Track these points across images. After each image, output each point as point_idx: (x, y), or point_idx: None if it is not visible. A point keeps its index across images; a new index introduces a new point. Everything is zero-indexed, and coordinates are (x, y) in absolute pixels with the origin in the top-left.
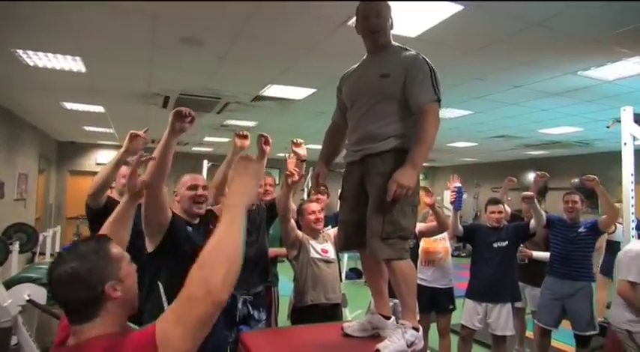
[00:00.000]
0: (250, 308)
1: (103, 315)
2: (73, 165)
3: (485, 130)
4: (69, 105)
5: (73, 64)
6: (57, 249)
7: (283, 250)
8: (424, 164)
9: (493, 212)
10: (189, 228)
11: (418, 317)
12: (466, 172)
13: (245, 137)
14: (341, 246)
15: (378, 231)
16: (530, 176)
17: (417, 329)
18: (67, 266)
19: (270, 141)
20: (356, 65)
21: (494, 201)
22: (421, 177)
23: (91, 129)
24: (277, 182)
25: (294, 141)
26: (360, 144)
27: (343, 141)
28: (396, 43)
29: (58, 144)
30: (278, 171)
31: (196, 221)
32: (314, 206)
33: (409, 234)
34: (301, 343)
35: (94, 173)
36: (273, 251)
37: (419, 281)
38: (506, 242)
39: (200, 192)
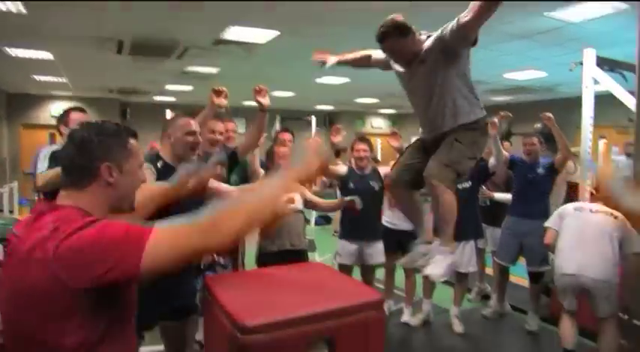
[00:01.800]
0: (215, 254)
1: (90, 192)
2: (25, 118)
3: None
4: (13, 52)
5: (10, 4)
6: (15, 205)
7: None
8: (391, 111)
9: None
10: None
11: (384, 259)
12: None
13: (220, 93)
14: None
15: (443, 158)
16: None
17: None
18: (88, 131)
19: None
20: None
21: None
22: (389, 124)
23: (42, 78)
24: (242, 130)
25: (257, 88)
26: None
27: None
28: (423, 37)
29: (8, 96)
30: (244, 120)
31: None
32: (284, 150)
33: (462, 173)
34: (266, 282)
35: (50, 126)
36: None
37: (385, 224)
38: (469, 183)
39: (197, 138)
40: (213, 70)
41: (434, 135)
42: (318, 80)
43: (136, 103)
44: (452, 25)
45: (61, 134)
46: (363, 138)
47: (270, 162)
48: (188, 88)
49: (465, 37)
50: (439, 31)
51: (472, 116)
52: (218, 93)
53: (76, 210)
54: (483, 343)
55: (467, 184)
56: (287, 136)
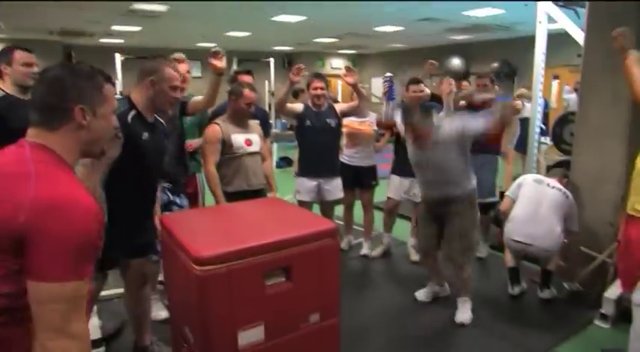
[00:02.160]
0: (170, 194)
1: (61, 134)
2: None
3: (409, 9)
4: None
5: None
6: None
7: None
8: (351, 51)
9: (415, 91)
10: (146, 134)
11: (343, 194)
12: (393, 59)
13: (216, 55)
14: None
15: (459, 245)
16: (455, 61)
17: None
18: (62, 70)
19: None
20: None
21: (416, 81)
22: (349, 63)
23: None
24: (200, 74)
25: (213, 50)
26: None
27: None
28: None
29: None
30: (199, 63)
31: (152, 119)
32: (249, 92)
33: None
34: (222, 217)
35: None
36: (192, 142)
37: (342, 160)
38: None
39: (178, 94)
40: (162, 8)
41: (438, 198)
42: (274, 18)
43: (81, 46)
44: (475, 129)
45: (2, 76)
46: (319, 76)
47: (234, 103)
48: (136, 28)
49: (481, 137)
50: (459, 127)
51: (469, 186)
52: (215, 56)
53: (45, 151)
54: None
55: None
56: (247, 78)
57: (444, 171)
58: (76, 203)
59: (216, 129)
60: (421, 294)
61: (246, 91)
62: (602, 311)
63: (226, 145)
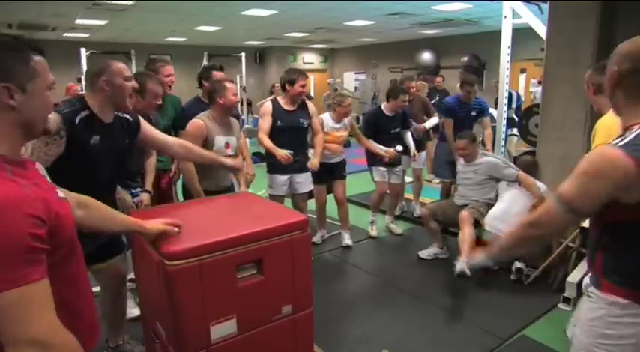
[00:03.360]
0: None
1: None
2: None
3: (380, 6)
4: None
5: None
6: None
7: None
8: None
9: (404, 100)
10: (96, 138)
11: (313, 187)
12: (365, 53)
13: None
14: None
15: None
16: (425, 55)
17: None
18: None
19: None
20: None
21: (403, 91)
22: (320, 59)
23: None
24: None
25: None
26: None
27: None
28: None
29: None
30: (169, 58)
31: (111, 119)
32: (234, 88)
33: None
34: (192, 212)
35: None
36: None
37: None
38: (398, 128)
39: (134, 83)
40: (128, 2)
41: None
42: (245, 12)
43: (44, 41)
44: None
45: None
46: (304, 73)
47: (221, 100)
48: (102, 22)
49: None
50: (497, 168)
51: None
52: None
53: None
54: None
55: (397, 129)
56: (220, 75)
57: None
58: None
59: (202, 125)
60: (424, 253)
61: (232, 86)
62: (565, 294)
63: (207, 145)
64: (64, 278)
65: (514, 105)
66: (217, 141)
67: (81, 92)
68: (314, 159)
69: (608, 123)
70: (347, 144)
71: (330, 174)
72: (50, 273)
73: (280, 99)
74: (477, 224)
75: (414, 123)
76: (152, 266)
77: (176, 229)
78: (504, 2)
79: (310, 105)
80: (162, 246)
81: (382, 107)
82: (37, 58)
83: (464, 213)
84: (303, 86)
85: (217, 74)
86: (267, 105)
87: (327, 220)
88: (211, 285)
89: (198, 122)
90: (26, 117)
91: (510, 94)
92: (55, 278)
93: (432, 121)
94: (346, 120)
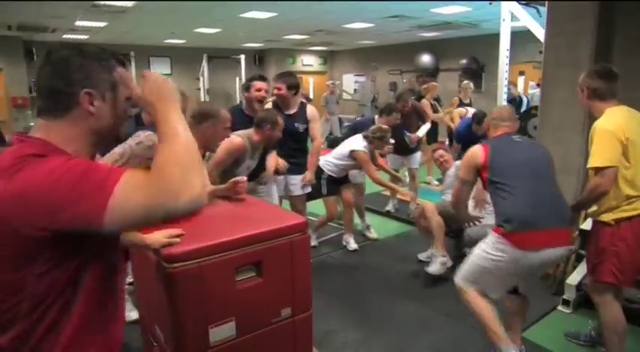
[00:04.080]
0: None
1: (67, 121)
2: None
3: (379, 8)
4: None
5: None
6: None
7: None
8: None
9: (396, 118)
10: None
11: (309, 190)
12: (364, 55)
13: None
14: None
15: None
16: (424, 58)
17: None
18: (68, 52)
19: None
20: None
21: (391, 110)
22: (320, 61)
23: None
24: (169, 71)
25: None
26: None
27: None
28: None
29: None
30: (169, 60)
31: None
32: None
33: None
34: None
35: None
36: None
37: (330, 173)
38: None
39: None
40: (128, 4)
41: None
42: (244, 15)
43: (43, 42)
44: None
45: None
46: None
47: (269, 132)
48: (101, 23)
49: None
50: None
51: None
52: None
53: (42, 145)
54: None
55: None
56: (260, 85)
57: None
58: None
59: (242, 147)
60: (423, 256)
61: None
62: (565, 296)
63: (233, 165)
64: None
65: (523, 109)
66: (244, 166)
67: None
68: (308, 174)
69: (605, 126)
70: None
71: (340, 183)
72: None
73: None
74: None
75: (408, 134)
76: (151, 268)
77: (178, 240)
78: (503, 5)
79: (310, 109)
80: (162, 248)
81: (375, 120)
82: (120, 68)
83: (428, 205)
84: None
85: (257, 84)
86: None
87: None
88: (210, 288)
89: (241, 143)
90: (101, 125)
91: (520, 99)
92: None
93: (424, 129)
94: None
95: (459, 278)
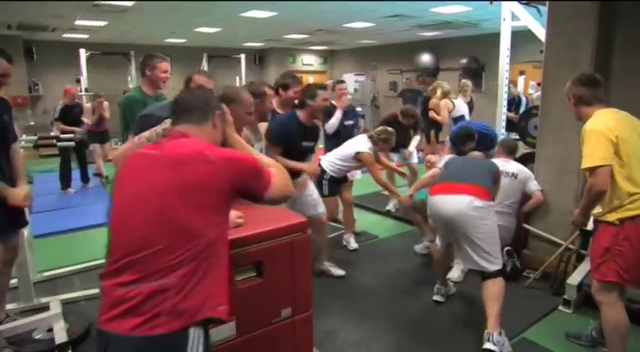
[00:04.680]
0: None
1: (204, 128)
2: None
3: (379, 8)
4: None
5: None
6: None
7: None
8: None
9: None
10: None
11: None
12: (364, 55)
13: None
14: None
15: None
16: (424, 57)
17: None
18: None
19: None
20: None
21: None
22: (320, 61)
23: None
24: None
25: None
26: None
27: None
28: None
29: None
30: (169, 59)
31: None
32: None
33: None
34: None
35: None
36: None
37: (332, 173)
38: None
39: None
40: (128, 3)
41: None
42: (244, 14)
43: (43, 42)
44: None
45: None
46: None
47: (260, 105)
48: (101, 23)
49: None
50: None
51: None
52: None
53: (202, 140)
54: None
55: None
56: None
57: None
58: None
59: None
60: (419, 247)
61: (269, 90)
62: (565, 296)
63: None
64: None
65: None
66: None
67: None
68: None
69: (594, 127)
70: None
71: (339, 183)
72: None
73: (274, 103)
74: None
75: (402, 149)
76: None
77: (243, 221)
78: (503, 5)
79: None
80: None
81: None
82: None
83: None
84: (296, 93)
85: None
86: None
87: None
88: None
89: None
90: (218, 136)
91: (520, 98)
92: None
93: (415, 142)
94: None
95: None
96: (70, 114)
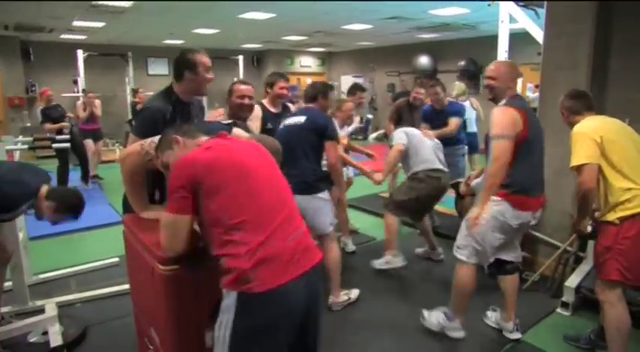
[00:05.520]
0: None
1: None
2: None
3: (377, 9)
4: None
5: None
6: None
7: None
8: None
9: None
10: None
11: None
12: (362, 57)
13: None
14: None
15: None
16: (423, 59)
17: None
18: None
19: None
20: None
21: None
22: (318, 62)
23: None
24: (167, 72)
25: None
26: None
27: None
28: None
29: None
30: (167, 61)
31: None
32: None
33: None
34: None
35: None
36: None
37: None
38: None
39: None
40: (126, 4)
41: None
42: (243, 15)
43: (40, 42)
44: None
45: None
46: (284, 76)
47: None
48: (99, 24)
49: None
50: None
51: None
52: None
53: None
54: None
55: None
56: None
57: None
58: None
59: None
60: (420, 250)
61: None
62: (564, 299)
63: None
64: None
65: None
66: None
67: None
68: None
69: (579, 129)
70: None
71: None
72: None
73: (265, 102)
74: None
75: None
76: (146, 271)
77: None
78: (501, 7)
79: (293, 107)
80: (157, 250)
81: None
82: None
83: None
84: (282, 88)
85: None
86: (257, 109)
87: None
88: (206, 291)
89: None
90: None
91: None
92: None
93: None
94: (349, 129)
95: None
96: (53, 114)
